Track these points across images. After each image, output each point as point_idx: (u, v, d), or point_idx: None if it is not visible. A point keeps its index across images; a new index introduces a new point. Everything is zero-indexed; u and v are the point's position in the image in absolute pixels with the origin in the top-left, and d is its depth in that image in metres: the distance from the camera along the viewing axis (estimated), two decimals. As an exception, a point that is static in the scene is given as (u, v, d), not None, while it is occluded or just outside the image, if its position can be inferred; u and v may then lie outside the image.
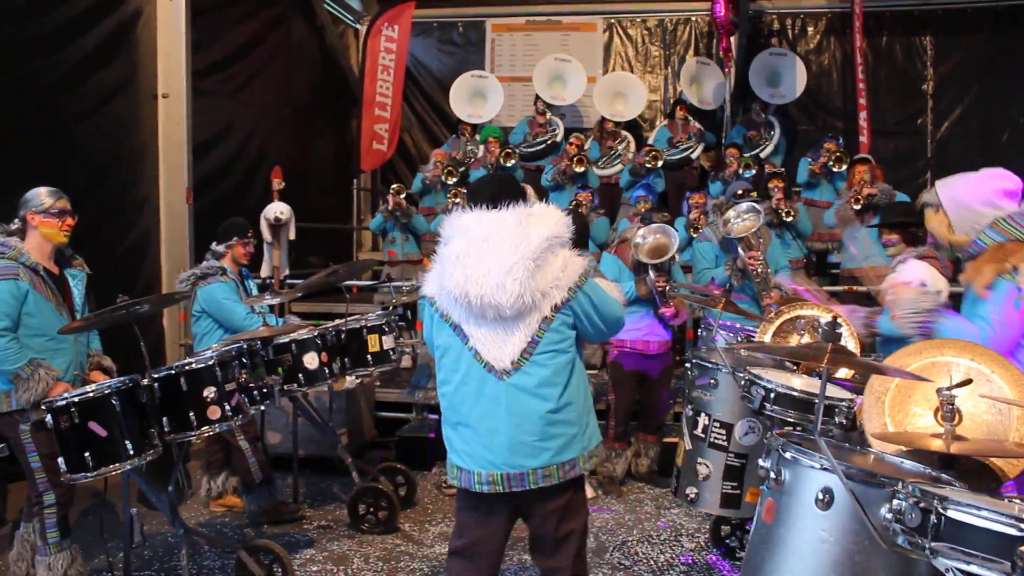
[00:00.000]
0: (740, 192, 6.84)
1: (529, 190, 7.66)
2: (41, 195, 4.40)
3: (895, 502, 2.12)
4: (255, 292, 5.90)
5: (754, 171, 8.94)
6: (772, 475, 2.46)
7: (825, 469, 2.33)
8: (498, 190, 3.13)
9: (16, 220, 4.42)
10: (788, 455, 2.43)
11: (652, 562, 5.15)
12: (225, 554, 5.15)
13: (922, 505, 2.06)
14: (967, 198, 3.34)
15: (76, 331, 4.15)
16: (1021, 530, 1.94)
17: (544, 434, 3.05)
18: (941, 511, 2.01)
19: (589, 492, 6.09)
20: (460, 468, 3.16)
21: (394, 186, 9.29)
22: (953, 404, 2.62)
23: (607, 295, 3.20)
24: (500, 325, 3.04)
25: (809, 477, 2.37)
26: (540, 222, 3.03)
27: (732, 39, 10.60)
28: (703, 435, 4.13)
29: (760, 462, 2.55)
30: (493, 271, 2.94)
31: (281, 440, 6.72)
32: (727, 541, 5.21)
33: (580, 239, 5.88)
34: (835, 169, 8.99)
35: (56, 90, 6.71)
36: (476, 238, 3.01)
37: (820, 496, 2.32)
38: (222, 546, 5.20)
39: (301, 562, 5.09)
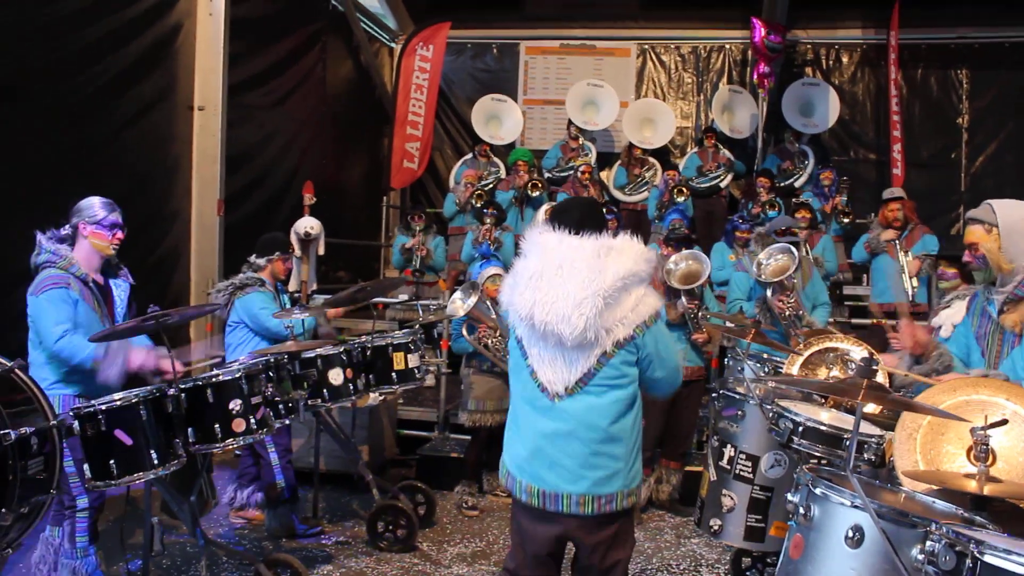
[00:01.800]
0: (783, 229, 6.77)
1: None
2: (96, 206, 4.39)
3: (928, 543, 2.08)
4: (288, 305, 5.93)
5: (779, 212, 8.89)
6: (801, 511, 2.43)
7: (856, 507, 2.29)
8: (584, 216, 3.10)
9: (67, 226, 4.41)
10: (818, 491, 2.40)
11: (672, 592, 5.09)
12: (243, 566, 5.14)
13: (958, 548, 2.02)
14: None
15: (106, 339, 4.17)
16: (1059, 578, 1.89)
17: (586, 463, 3.03)
18: (977, 555, 1.97)
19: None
20: (509, 472, 3.20)
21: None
22: (987, 444, 2.57)
23: (671, 343, 3.19)
24: (560, 351, 3.03)
25: (839, 514, 2.34)
26: (619, 257, 2.99)
27: (771, 66, 10.55)
28: (728, 466, 4.09)
29: (789, 496, 2.51)
30: (561, 301, 2.93)
31: (303, 454, 6.73)
32: (747, 573, 5.14)
33: None
34: (843, 220, 9.06)
35: (97, 101, 6.80)
36: (552, 262, 2.99)
37: (850, 534, 2.29)
38: (241, 558, 5.19)
39: (319, 577, 5.08)
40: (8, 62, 5.85)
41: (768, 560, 5.03)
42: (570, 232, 3.04)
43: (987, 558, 1.97)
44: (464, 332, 6.15)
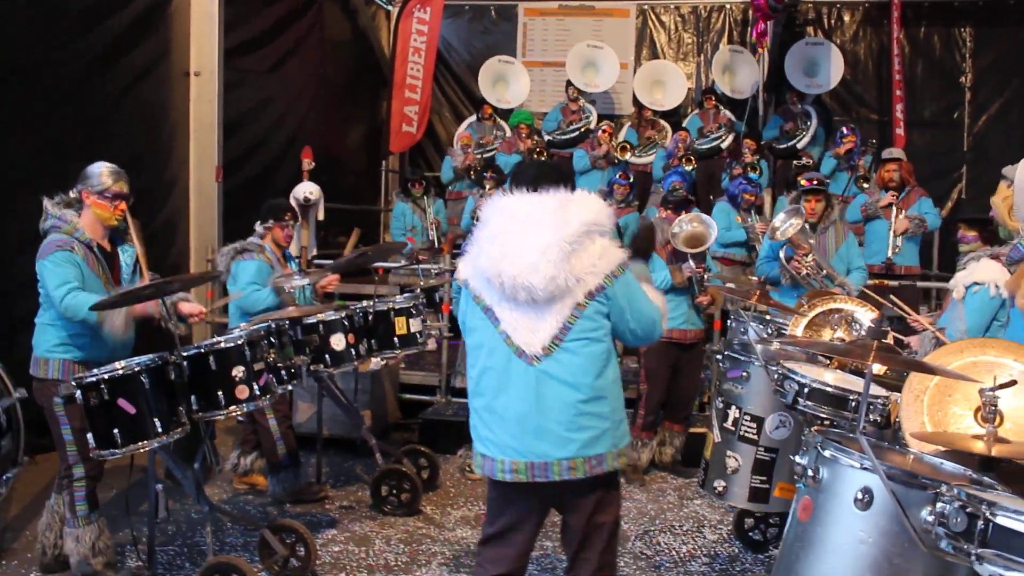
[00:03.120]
0: (811, 182, 6.65)
1: None
2: (101, 175, 4.33)
3: (938, 505, 2.07)
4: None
5: (759, 175, 8.82)
6: (810, 473, 2.42)
7: (865, 469, 2.28)
8: (541, 174, 3.10)
9: (73, 191, 4.37)
10: (827, 453, 2.39)
11: (674, 552, 5.12)
12: (248, 532, 5.16)
13: (969, 510, 2.01)
14: None
15: (106, 307, 4.15)
16: (1072, 540, 1.89)
17: (572, 424, 2.97)
18: (990, 517, 1.96)
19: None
20: (484, 456, 3.11)
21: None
22: (996, 405, 2.56)
23: (644, 293, 3.15)
24: (532, 309, 2.98)
25: (848, 476, 2.33)
26: (580, 208, 2.99)
27: (768, 24, 10.42)
28: (733, 428, 4.09)
29: (797, 459, 2.50)
30: (529, 250, 2.90)
31: (306, 420, 6.73)
32: (750, 534, 5.17)
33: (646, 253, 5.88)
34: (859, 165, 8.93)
35: (91, 69, 6.74)
36: (515, 220, 2.98)
37: (859, 496, 2.28)
38: (246, 524, 5.21)
39: (323, 542, 5.10)
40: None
41: (771, 520, 5.06)
42: (528, 191, 3.04)
43: (999, 520, 1.95)
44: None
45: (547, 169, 3.21)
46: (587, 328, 3.01)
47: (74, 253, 4.22)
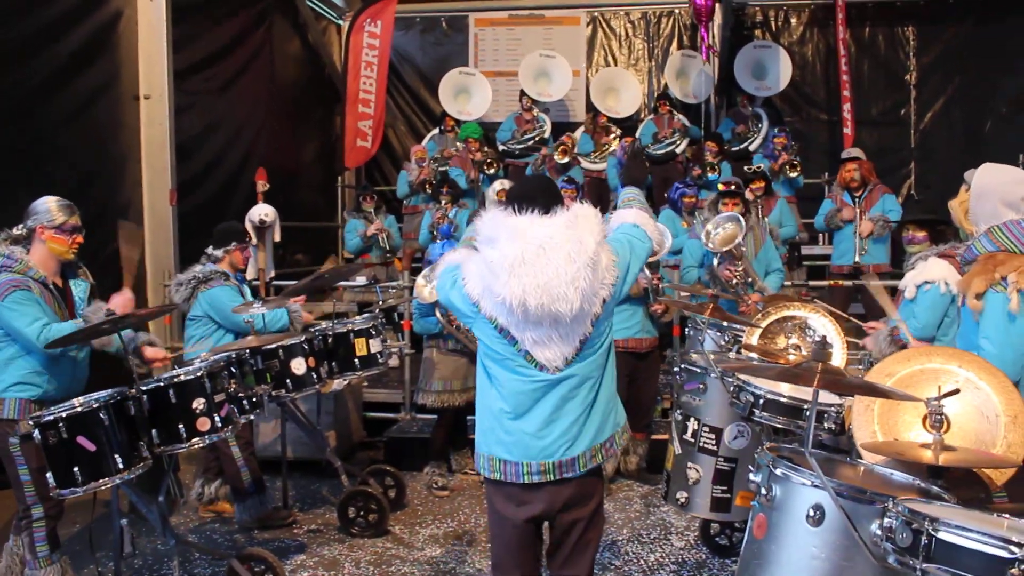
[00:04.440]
0: (729, 186, 6.75)
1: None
2: (52, 209, 4.28)
3: (886, 520, 2.13)
4: (250, 296, 5.87)
5: (718, 175, 8.91)
6: (763, 491, 2.47)
7: (816, 486, 2.34)
8: (547, 193, 3.08)
9: (22, 227, 4.31)
10: (779, 471, 2.44)
11: (643, 561, 5.17)
12: (216, 562, 5.14)
13: (914, 526, 2.07)
14: (993, 189, 3.19)
15: (63, 345, 4.11)
16: (1011, 552, 1.95)
17: (586, 417, 3.09)
18: (932, 532, 2.02)
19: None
20: (506, 461, 3.13)
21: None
22: (942, 414, 2.63)
23: (631, 237, 3.22)
24: (554, 328, 3.00)
25: (800, 494, 2.38)
26: (587, 223, 2.99)
27: (714, 30, 10.53)
28: (693, 439, 4.15)
29: (751, 476, 2.56)
30: (554, 282, 2.89)
31: (269, 443, 6.70)
32: (716, 539, 5.24)
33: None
34: (792, 175, 9.06)
35: (38, 94, 6.66)
36: (531, 245, 2.92)
37: (811, 513, 2.33)
38: (213, 555, 5.18)
39: (292, 568, 5.09)
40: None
41: (736, 525, 5.13)
42: (539, 212, 3.00)
43: (941, 535, 2.02)
44: (437, 313, 6.05)
45: (551, 188, 3.18)
46: (601, 332, 3.11)
47: (31, 292, 4.18)
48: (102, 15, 7.43)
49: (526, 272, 2.90)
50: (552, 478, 3.09)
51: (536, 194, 3.08)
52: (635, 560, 5.18)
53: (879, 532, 2.16)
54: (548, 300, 2.89)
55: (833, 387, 2.35)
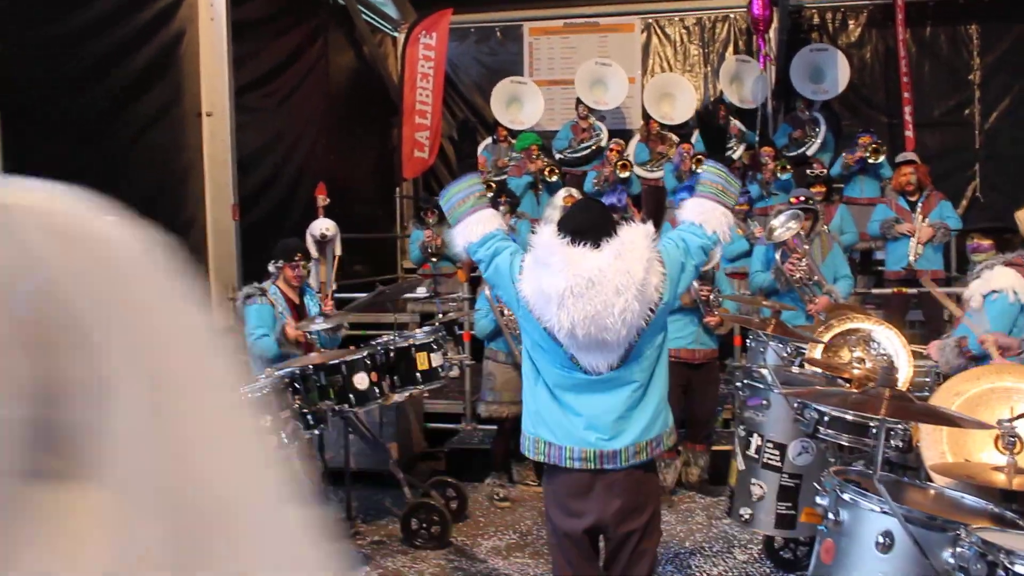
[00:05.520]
0: (800, 199, 6.72)
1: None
2: None
3: (958, 548, 2.10)
4: (315, 309, 5.95)
5: (791, 173, 8.88)
6: (830, 516, 2.45)
7: (885, 512, 2.31)
8: (598, 226, 3.10)
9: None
10: (846, 496, 2.42)
11: (705, 574, 5.14)
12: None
13: (989, 558, 2.03)
14: None
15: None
16: (1091, 586, 1.91)
17: (634, 414, 3.13)
18: (1008, 565, 1.99)
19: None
20: (550, 443, 3.19)
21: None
22: (1015, 435, 2.58)
23: (685, 240, 3.23)
24: (600, 345, 3.05)
25: (868, 519, 2.36)
26: (634, 250, 3.01)
27: (770, 35, 10.43)
28: (756, 456, 4.12)
29: (817, 499, 2.54)
30: (602, 314, 2.93)
31: (333, 455, 6.78)
32: (781, 553, 5.18)
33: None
34: (872, 160, 8.90)
35: (105, 115, 6.83)
36: (581, 278, 2.96)
37: (880, 539, 2.31)
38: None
39: (357, 580, 5.16)
40: (16, 80, 5.88)
41: (801, 539, 5.07)
42: (590, 246, 3.03)
43: (1017, 568, 1.98)
44: (777, 257, 6.22)
45: (603, 218, 3.19)
46: (649, 338, 3.13)
47: None
48: (165, 36, 7.60)
49: (575, 305, 2.96)
50: (592, 466, 3.12)
51: (587, 228, 3.11)
52: (697, 573, 5.16)
53: (952, 561, 2.13)
54: (596, 330, 2.96)
55: (901, 414, 2.32)
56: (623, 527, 3.19)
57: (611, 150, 9.44)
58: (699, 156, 9.12)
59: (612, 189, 8.73)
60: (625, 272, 2.97)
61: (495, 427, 6.74)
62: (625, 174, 9.19)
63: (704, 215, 3.27)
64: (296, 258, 5.84)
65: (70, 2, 6.49)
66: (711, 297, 5.99)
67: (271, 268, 5.84)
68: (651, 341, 3.14)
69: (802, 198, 6.58)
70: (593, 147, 10.21)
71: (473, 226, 3.29)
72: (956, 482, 2.71)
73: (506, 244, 3.26)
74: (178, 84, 7.80)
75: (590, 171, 9.70)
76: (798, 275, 6.17)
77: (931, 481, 2.87)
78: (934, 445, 2.94)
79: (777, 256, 6.24)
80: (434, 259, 9.44)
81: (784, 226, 6.12)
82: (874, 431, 3.47)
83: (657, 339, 3.17)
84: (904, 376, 4.25)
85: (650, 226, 3.14)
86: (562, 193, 7.58)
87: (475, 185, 3.39)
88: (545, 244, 3.10)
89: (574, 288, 2.95)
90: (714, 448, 6.59)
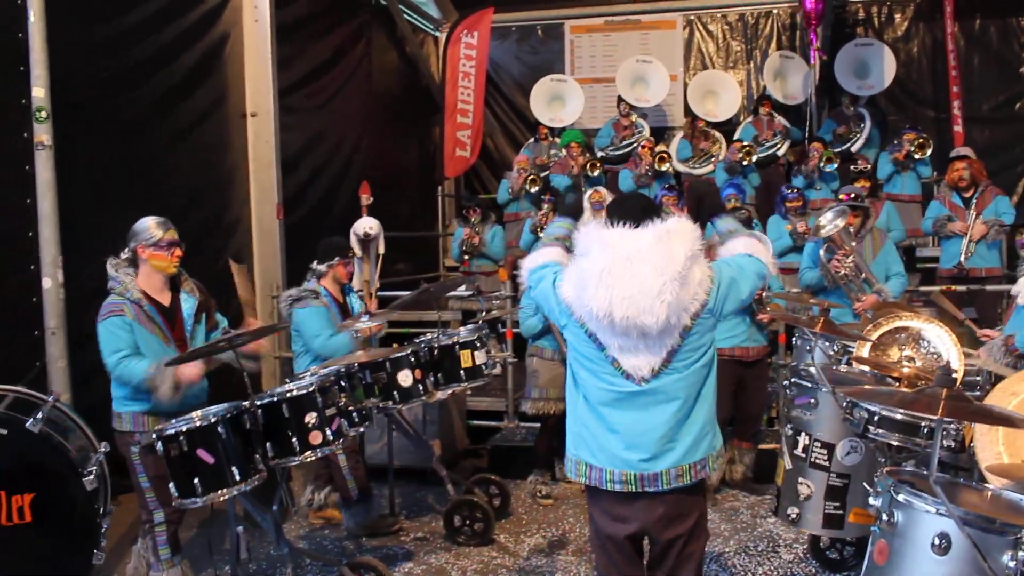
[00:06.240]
0: (850, 196, 6.65)
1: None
2: (150, 227, 4.48)
3: (1020, 552, 2.06)
4: (358, 308, 6.00)
5: (836, 164, 8.81)
6: (884, 516, 2.41)
7: (941, 514, 2.27)
8: (643, 207, 3.13)
9: (127, 250, 4.51)
10: (901, 497, 2.38)
11: (751, 574, 5.09)
12: (326, 568, 5.27)
13: (1050, 560, 2.00)
14: None
15: (178, 363, 4.28)
16: None
17: (677, 434, 3.08)
18: (1071, 568, 1.95)
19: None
20: (591, 465, 3.18)
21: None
22: (1072, 436, 2.53)
23: (738, 267, 3.21)
24: (641, 340, 3.02)
25: (924, 521, 2.32)
26: (680, 238, 3.00)
27: (819, 30, 10.31)
28: (804, 455, 4.07)
29: (871, 500, 2.50)
30: (639, 294, 2.91)
31: (376, 451, 6.84)
32: (827, 553, 5.12)
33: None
34: (917, 156, 8.77)
35: (150, 115, 6.92)
36: (619, 256, 2.96)
37: (936, 541, 2.26)
38: (324, 561, 5.32)
39: (400, 576, 5.19)
40: (67, 80, 5.95)
41: (848, 539, 5.01)
42: (630, 225, 3.03)
43: (1082, 570, 1.95)
44: (822, 254, 6.24)
45: (646, 202, 3.23)
46: (693, 346, 3.08)
47: (124, 316, 4.37)
48: (211, 38, 7.69)
49: (613, 283, 2.94)
50: (633, 489, 3.09)
51: (628, 206, 3.15)
52: (742, 573, 5.11)
53: (1012, 565, 2.09)
54: (634, 312, 2.92)
55: (958, 414, 2.28)
56: (668, 533, 3.17)
57: (643, 147, 9.40)
58: (748, 147, 9.06)
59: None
60: (666, 253, 2.95)
61: (537, 424, 6.74)
62: (664, 167, 9.13)
63: (750, 247, 3.28)
64: (350, 255, 5.91)
65: (119, 4, 6.60)
66: (763, 295, 5.95)
67: (321, 267, 5.84)
68: (696, 349, 3.08)
69: (852, 195, 6.50)
70: (635, 144, 10.16)
71: (538, 256, 3.39)
72: (1014, 483, 2.66)
73: (556, 269, 3.28)
74: (223, 85, 7.90)
75: (622, 169, 9.66)
76: (843, 272, 6.11)
77: (986, 482, 2.81)
78: (989, 446, 2.88)
79: (822, 253, 6.19)
80: (467, 256, 9.45)
81: (831, 223, 6.06)
82: (925, 431, 3.43)
83: (702, 349, 3.11)
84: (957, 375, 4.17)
85: (699, 233, 3.11)
86: (589, 192, 7.59)
87: (562, 227, 3.52)
88: (585, 233, 3.12)
89: (612, 266, 2.95)
90: (760, 447, 6.53)
